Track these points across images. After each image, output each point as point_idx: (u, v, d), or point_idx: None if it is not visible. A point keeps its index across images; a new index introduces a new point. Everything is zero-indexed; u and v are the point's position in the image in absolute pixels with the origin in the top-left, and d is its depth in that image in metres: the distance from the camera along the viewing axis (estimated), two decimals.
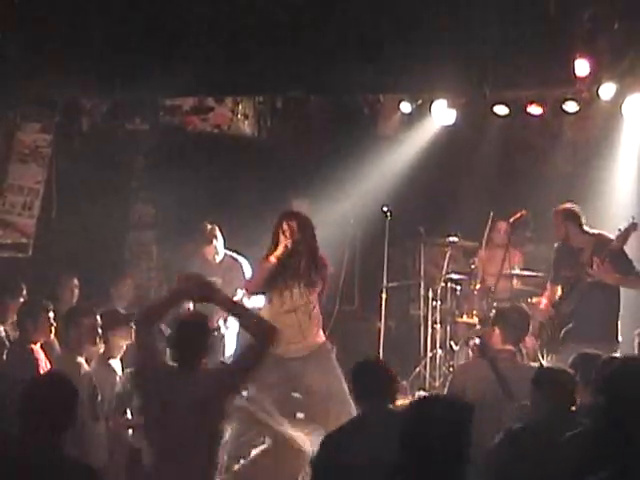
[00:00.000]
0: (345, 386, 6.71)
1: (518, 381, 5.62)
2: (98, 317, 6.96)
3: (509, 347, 6.09)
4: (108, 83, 6.39)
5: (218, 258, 9.08)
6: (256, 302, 8.45)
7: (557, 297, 8.02)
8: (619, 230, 7.53)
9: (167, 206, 10.97)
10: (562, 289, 7.91)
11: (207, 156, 10.98)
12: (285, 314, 7.18)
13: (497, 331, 6.16)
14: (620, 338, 7.67)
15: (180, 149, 10.96)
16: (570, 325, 7.66)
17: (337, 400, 6.87)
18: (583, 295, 7.67)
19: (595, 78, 7.57)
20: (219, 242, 9.07)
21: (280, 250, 7.20)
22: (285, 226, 7.22)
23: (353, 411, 5.89)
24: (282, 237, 7.21)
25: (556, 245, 8.10)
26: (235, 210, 10.25)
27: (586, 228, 7.92)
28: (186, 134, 11.11)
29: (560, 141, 10.72)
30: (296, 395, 7.16)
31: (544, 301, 8.25)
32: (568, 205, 8.03)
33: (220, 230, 9.13)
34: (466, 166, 10.97)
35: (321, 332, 7.56)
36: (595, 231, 7.90)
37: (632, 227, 7.48)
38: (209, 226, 9.06)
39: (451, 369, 9.86)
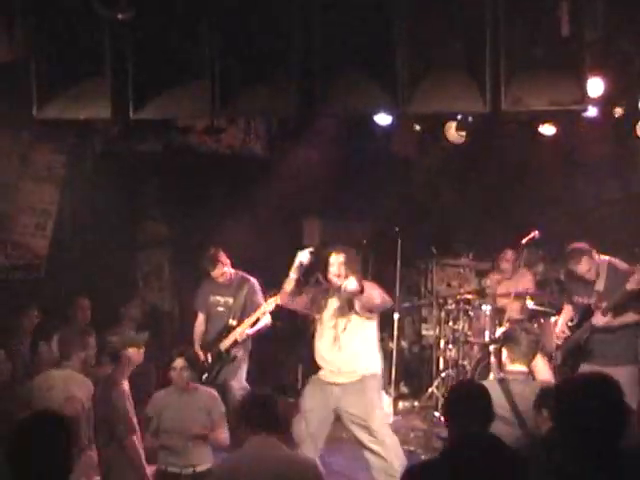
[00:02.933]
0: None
1: (529, 400, 5.55)
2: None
3: (519, 368, 5.93)
4: (122, 104, 6.34)
5: (226, 278, 9.03)
6: (266, 320, 8.79)
7: (571, 319, 7.94)
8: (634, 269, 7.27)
9: (179, 225, 11.04)
10: (579, 316, 7.82)
11: (219, 176, 10.99)
12: None
13: (505, 352, 6.02)
14: None
15: (192, 169, 10.94)
16: (587, 346, 7.60)
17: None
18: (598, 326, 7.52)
19: (609, 98, 7.52)
20: (224, 264, 9.01)
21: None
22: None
23: None
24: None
25: (568, 269, 7.97)
26: (247, 230, 10.24)
27: (596, 256, 7.76)
28: (198, 154, 11.09)
29: (572, 161, 10.74)
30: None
31: (561, 321, 8.20)
32: (576, 244, 7.86)
33: (225, 251, 9.07)
34: (478, 186, 11.06)
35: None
36: (605, 257, 7.74)
37: None
38: (212, 250, 9.01)
39: None
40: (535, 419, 5.25)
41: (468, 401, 4.67)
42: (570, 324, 7.88)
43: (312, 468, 5.12)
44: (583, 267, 7.61)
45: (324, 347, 7.36)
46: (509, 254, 10.15)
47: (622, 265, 7.58)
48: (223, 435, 6.79)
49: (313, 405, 7.37)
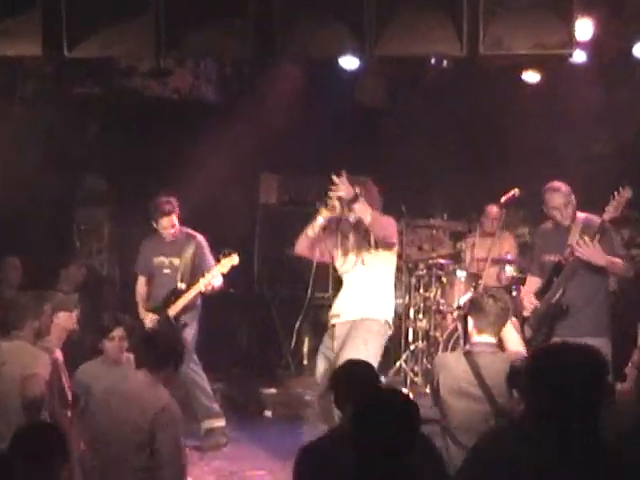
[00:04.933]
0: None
1: (498, 375, 5.67)
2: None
3: (487, 339, 5.97)
4: (56, 41, 6.28)
5: (171, 234, 8.98)
6: (219, 282, 8.74)
7: (538, 287, 7.85)
8: (612, 197, 7.31)
9: (120, 179, 11.15)
10: (547, 276, 7.73)
11: (165, 124, 11.01)
12: None
13: (471, 321, 6.07)
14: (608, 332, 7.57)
15: (136, 116, 10.98)
16: (556, 317, 7.55)
17: None
18: (569, 280, 7.53)
19: (598, 41, 7.48)
20: (175, 215, 8.98)
21: None
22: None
23: None
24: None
25: (540, 227, 8.03)
26: (196, 184, 10.23)
27: (574, 203, 7.76)
28: (142, 99, 11.14)
29: (558, 111, 10.72)
30: None
31: (526, 291, 8.09)
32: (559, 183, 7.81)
33: (177, 204, 9.02)
34: (454, 138, 10.98)
35: None
36: (582, 214, 7.73)
37: (625, 193, 7.28)
38: (164, 196, 8.94)
39: None
40: (507, 399, 5.35)
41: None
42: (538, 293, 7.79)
43: (158, 410, 5.40)
44: (558, 199, 7.63)
45: (340, 293, 7.77)
46: (494, 211, 10.13)
47: (597, 221, 7.52)
48: None
49: (323, 348, 7.78)
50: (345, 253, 7.72)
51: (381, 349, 7.48)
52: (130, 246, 9.72)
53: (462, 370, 5.79)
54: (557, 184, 7.66)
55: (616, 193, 7.27)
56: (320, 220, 7.57)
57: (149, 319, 8.79)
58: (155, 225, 8.88)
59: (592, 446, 3.49)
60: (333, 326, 7.70)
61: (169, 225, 8.84)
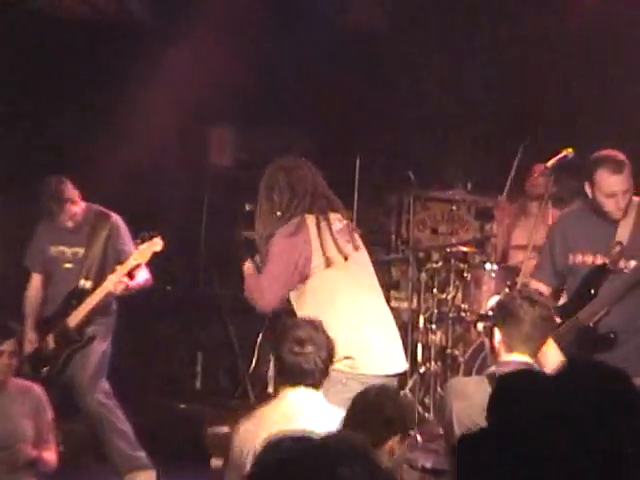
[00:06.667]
0: None
1: None
2: None
3: (519, 358, 5.69)
4: None
5: (74, 219, 8.57)
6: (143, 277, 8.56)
7: (562, 298, 7.33)
8: None
9: (16, 136, 10.43)
10: (580, 285, 7.04)
11: (84, 55, 10.47)
12: None
13: (499, 334, 5.77)
14: None
15: (45, 45, 10.42)
16: (592, 347, 6.81)
17: None
18: (620, 296, 6.83)
19: None
20: (74, 202, 8.53)
21: None
22: None
23: None
24: None
25: (565, 214, 7.48)
26: (122, 143, 9.92)
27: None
28: (55, 23, 10.59)
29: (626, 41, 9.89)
30: None
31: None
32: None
33: (74, 182, 8.54)
34: (479, 72, 10.55)
35: None
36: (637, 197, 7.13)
37: None
38: (54, 181, 8.48)
39: None
40: None
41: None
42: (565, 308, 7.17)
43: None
44: (620, 182, 6.83)
45: None
46: (539, 169, 9.01)
47: None
48: (52, 454, 6.98)
49: None
50: None
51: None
52: (25, 235, 9.27)
53: (485, 400, 4.53)
54: (620, 157, 6.90)
55: None
56: None
57: (29, 339, 8.47)
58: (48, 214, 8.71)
59: None
60: None
61: (66, 218, 8.51)
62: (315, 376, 5.55)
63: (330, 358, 5.61)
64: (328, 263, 6.74)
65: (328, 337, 5.61)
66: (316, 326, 5.58)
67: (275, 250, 6.64)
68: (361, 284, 6.89)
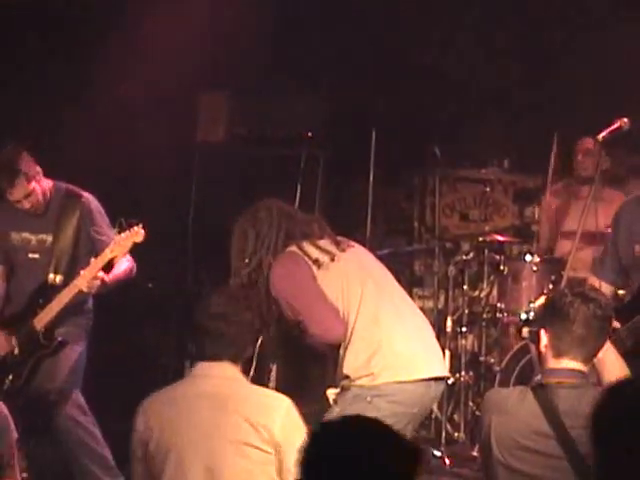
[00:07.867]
0: None
1: (587, 422, 4.43)
2: None
3: (570, 364, 5.39)
4: None
5: (37, 200, 8.14)
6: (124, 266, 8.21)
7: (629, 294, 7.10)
8: None
9: None
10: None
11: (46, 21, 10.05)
12: None
13: (546, 337, 5.48)
14: None
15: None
16: None
17: None
18: None
19: None
20: (32, 178, 8.08)
21: None
22: None
23: None
24: None
25: (629, 200, 7.11)
26: (97, 113, 9.61)
27: None
28: None
29: None
30: None
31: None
32: None
33: (34, 153, 8.16)
34: (519, 31, 10.27)
35: None
36: None
37: None
38: (8, 150, 8.08)
39: None
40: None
41: None
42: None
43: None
44: None
45: None
46: (589, 143, 9.04)
47: None
48: None
49: None
50: None
51: None
52: None
53: (529, 414, 5.32)
54: None
55: None
56: None
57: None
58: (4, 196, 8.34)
59: None
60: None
61: (21, 196, 8.11)
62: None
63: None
64: (318, 265, 6.55)
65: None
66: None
67: (289, 292, 6.45)
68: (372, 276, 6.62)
